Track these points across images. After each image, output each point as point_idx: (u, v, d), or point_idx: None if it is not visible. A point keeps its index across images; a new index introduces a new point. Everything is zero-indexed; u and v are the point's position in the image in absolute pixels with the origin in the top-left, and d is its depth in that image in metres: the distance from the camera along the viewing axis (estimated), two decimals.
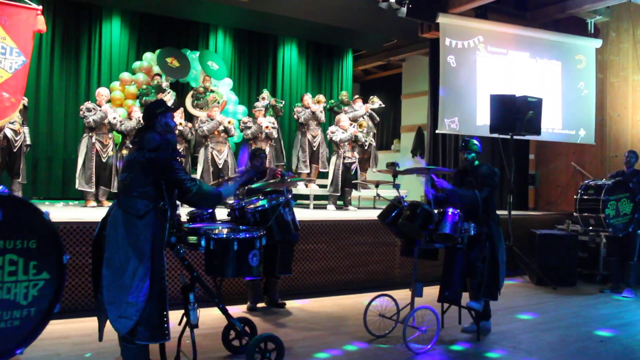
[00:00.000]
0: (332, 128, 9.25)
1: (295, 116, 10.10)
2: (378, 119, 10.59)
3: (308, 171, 9.90)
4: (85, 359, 4.02)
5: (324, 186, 9.46)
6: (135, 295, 3.43)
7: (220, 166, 8.98)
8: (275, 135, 9.67)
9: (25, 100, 7.58)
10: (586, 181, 7.64)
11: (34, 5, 6.91)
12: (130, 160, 3.71)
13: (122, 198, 3.64)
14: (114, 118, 8.22)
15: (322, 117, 10.06)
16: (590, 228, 7.40)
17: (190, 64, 10.72)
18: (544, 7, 10.10)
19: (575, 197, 7.48)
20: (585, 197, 7.31)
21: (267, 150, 9.35)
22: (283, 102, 10.62)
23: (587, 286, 7.71)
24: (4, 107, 6.57)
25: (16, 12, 6.65)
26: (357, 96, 10.82)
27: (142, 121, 8.23)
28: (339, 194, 9.06)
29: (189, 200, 3.75)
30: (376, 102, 10.29)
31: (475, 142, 5.24)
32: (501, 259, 5.00)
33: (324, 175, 10.05)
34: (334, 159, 9.18)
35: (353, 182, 9.17)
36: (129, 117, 8.68)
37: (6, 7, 6.59)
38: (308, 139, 9.97)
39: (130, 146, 8.36)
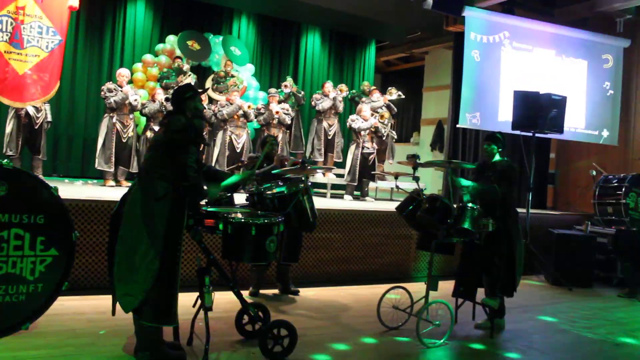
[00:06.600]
0: (352, 116, 9.19)
1: (312, 102, 10.05)
2: (396, 110, 10.48)
3: (322, 159, 9.87)
4: (99, 335, 4.06)
5: (341, 176, 9.42)
6: (143, 276, 3.44)
7: (238, 150, 8.98)
8: (288, 122, 9.62)
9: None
10: (609, 175, 7.52)
11: None
12: (155, 140, 3.72)
13: (142, 178, 3.64)
14: (135, 99, 8.24)
15: (340, 106, 10.00)
16: (607, 217, 7.27)
17: (211, 48, 10.71)
18: (572, 4, 9.96)
19: (594, 187, 7.37)
20: (607, 185, 7.21)
21: (280, 137, 9.31)
22: (302, 93, 10.53)
23: (603, 289, 7.62)
24: (44, 85, 6.62)
25: None
26: (374, 87, 10.75)
27: (165, 104, 8.35)
28: (356, 184, 9.02)
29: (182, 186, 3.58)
30: (394, 94, 10.18)
31: (499, 135, 5.19)
32: (518, 256, 4.97)
33: (340, 165, 10.01)
34: (352, 148, 9.13)
35: (371, 172, 9.13)
36: (152, 100, 8.71)
37: None
38: (324, 127, 9.94)
39: (155, 129, 8.39)
